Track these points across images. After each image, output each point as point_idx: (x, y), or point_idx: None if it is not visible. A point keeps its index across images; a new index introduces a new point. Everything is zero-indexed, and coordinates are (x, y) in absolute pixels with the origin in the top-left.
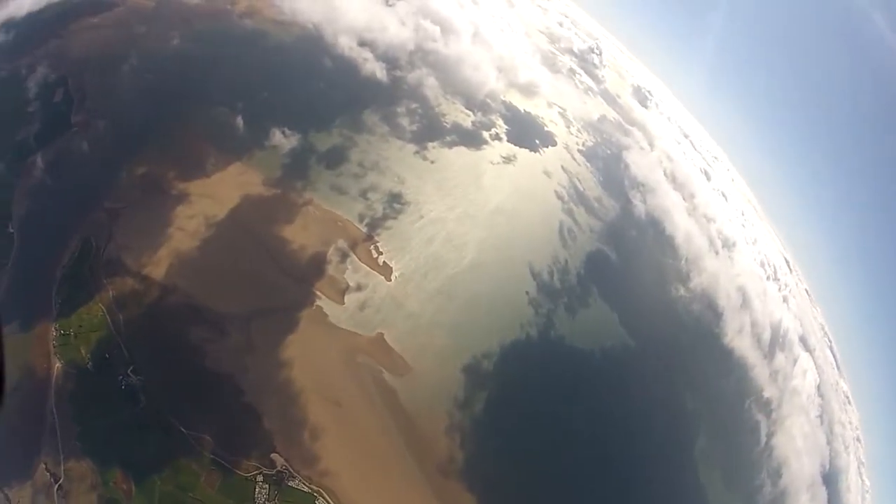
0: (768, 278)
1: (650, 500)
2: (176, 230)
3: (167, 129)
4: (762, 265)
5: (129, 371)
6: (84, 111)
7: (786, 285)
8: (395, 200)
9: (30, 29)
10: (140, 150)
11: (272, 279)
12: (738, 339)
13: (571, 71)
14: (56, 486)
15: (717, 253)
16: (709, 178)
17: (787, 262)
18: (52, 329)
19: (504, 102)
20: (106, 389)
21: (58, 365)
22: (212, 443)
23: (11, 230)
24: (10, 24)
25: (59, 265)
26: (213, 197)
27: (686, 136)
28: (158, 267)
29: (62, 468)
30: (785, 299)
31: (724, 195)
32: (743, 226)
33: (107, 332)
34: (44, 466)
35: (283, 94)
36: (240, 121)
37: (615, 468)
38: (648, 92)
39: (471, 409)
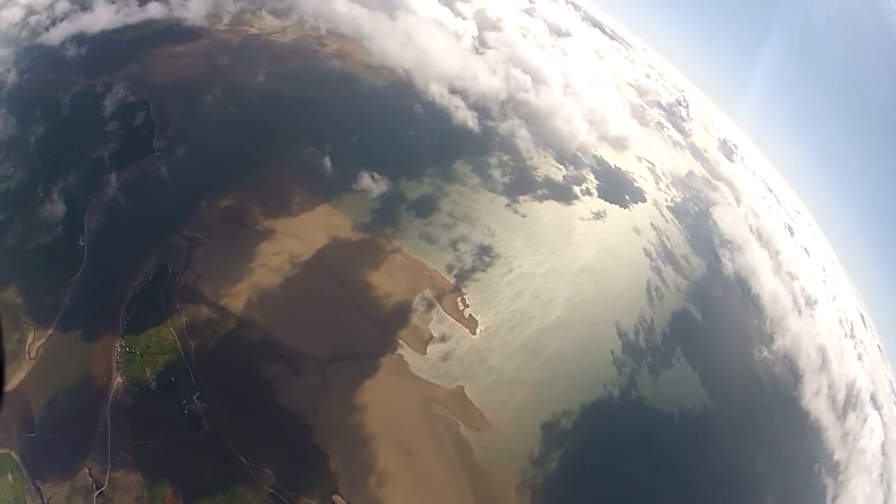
0: (846, 336)
1: None
2: (258, 265)
3: (253, 165)
4: (840, 322)
5: (194, 397)
6: (166, 137)
7: (861, 342)
8: (485, 253)
9: (106, 48)
10: (223, 182)
11: (354, 324)
12: (815, 402)
13: (660, 125)
14: (97, 491)
15: (799, 312)
16: (792, 234)
17: (862, 317)
18: (117, 344)
19: (595, 157)
20: (167, 411)
21: (119, 380)
22: (273, 477)
23: (82, 243)
24: (82, 39)
25: (130, 284)
26: (299, 236)
27: (770, 190)
28: (237, 299)
29: (107, 476)
30: (860, 357)
31: (806, 251)
32: (824, 282)
33: (176, 357)
34: (87, 471)
35: (374, 138)
36: (328, 162)
37: None
38: (734, 145)
39: (544, 467)
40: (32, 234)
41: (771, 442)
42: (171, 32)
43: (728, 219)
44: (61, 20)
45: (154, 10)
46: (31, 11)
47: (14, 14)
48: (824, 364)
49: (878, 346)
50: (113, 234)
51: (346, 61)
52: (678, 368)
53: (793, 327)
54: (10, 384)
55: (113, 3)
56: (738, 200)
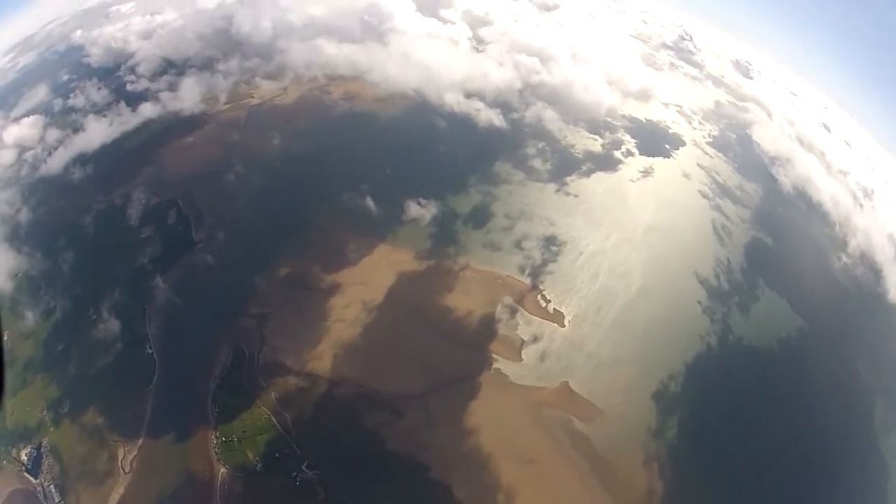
0: None
1: (838, 478)
2: (334, 322)
3: (297, 227)
4: None
5: (303, 467)
6: (204, 227)
7: None
8: (551, 243)
9: (112, 160)
10: (274, 253)
11: (444, 351)
12: None
13: (672, 65)
14: None
15: (861, 206)
16: (829, 130)
17: None
18: (212, 437)
19: (625, 116)
20: (280, 487)
21: (222, 470)
22: None
23: (150, 350)
24: (85, 159)
25: (210, 376)
26: (366, 282)
27: (794, 94)
28: (322, 361)
29: None
30: None
31: (847, 143)
32: (872, 169)
33: (275, 433)
34: None
35: (407, 165)
36: (370, 202)
37: (802, 452)
38: (748, 62)
39: (665, 436)
40: (94, 357)
41: (867, 345)
42: (176, 127)
43: (767, 136)
44: (56, 149)
45: (147, 111)
46: (23, 148)
47: (6, 156)
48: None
49: None
50: (179, 334)
51: (357, 101)
52: (765, 299)
53: (860, 224)
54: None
55: (104, 116)
56: (769, 115)
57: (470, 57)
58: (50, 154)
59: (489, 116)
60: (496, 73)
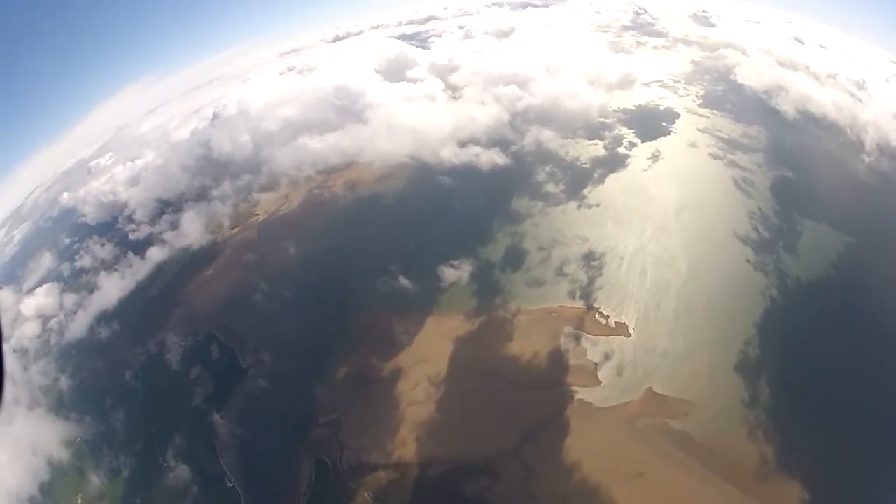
0: None
1: None
2: (407, 406)
3: (340, 327)
4: (887, 81)
5: None
6: (249, 353)
7: None
8: (591, 259)
9: (136, 311)
10: (325, 358)
11: (522, 399)
12: None
13: (638, 43)
14: None
15: (861, 101)
16: (803, 42)
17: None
18: None
19: (615, 110)
20: None
21: None
22: None
23: (231, 483)
24: (108, 317)
25: (300, 493)
26: (426, 359)
27: (758, 22)
28: (406, 447)
29: None
30: None
31: (822, 47)
32: (853, 60)
33: None
34: None
35: (428, 234)
36: (405, 280)
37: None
38: (704, 11)
39: (760, 403)
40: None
41: None
42: (192, 263)
43: (751, 73)
44: (76, 312)
45: (157, 255)
46: (45, 318)
47: (31, 328)
48: None
49: None
50: (255, 462)
51: (359, 187)
52: (808, 231)
53: (867, 117)
54: None
55: (115, 270)
56: (745, 53)
57: (451, 106)
58: (72, 319)
59: (490, 157)
60: (481, 113)
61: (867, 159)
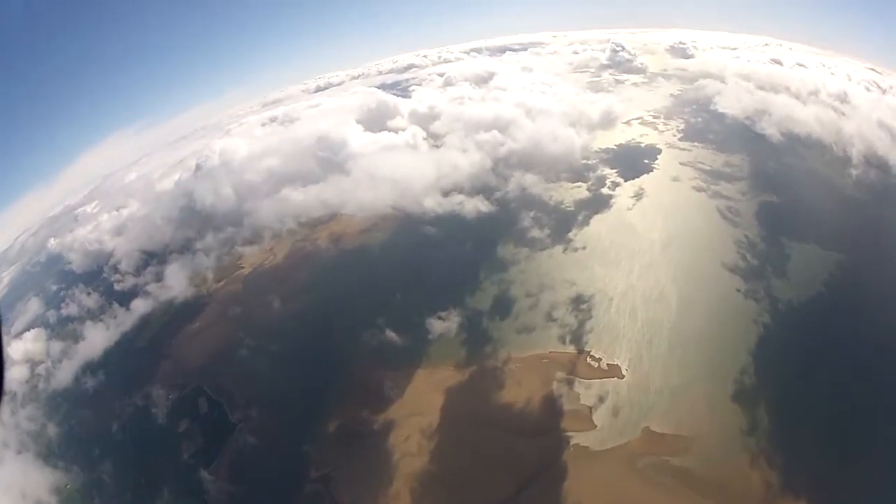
0: (883, 93)
1: None
2: (400, 459)
3: (329, 380)
4: (867, 90)
5: None
6: (239, 407)
7: (891, 87)
8: (580, 303)
9: (122, 363)
10: (313, 413)
11: (518, 448)
12: None
13: (617, 81)
14: None
15: (844, 114)
16: (781, 63)
17: (874, 69)
18: None
19: (597, 150)
20: None
21: None
22: None
23: None
24: (94, 368)
25: None
26: (417, 411)
27: (734, 48)
28: (401, 500)
29: None
30: None
31: (801, 65)
32: (832, 74)
33: None
34: None
35: (415, 285)
36: (392, 334)
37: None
38: (681, 43)
39: (761, 429)
40: None
41: None
42: (178, 316)
43: (731, 101)
44: (60, 361)
45: (140, 307)
46: (33, 363)
47: (21, 372)
48: (892, 135)
49: None
50: None
51: (343, 239)
52: (796, 253)
53: (851, 129)
54: None
55: (100, 321)
56: (723, 81)
57: (432, 155)
58: (58, 367)
59: (474, 205)
60: (463, 160)
61: (854, 172)
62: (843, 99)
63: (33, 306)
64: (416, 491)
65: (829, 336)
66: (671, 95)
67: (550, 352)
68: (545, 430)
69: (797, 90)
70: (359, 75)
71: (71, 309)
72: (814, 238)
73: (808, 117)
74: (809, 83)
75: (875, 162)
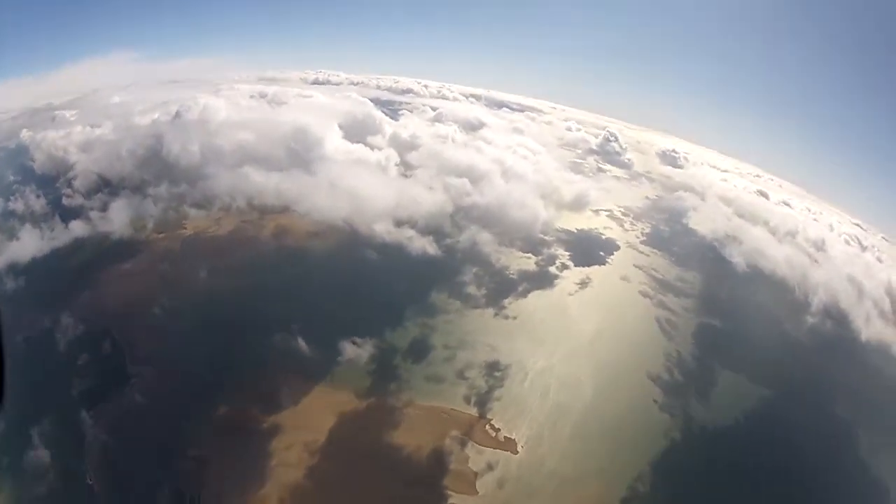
0: (863, 250)
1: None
2: (277, 465)
3: (229, 365)
4: (847, 243)
5: None
6: (139, 361)
7: (872, 245)
8: (494, 369)
9: (47, 277)
10: (206, 394)
11: (394, 491)
12: (869, 327)
13: (599, 169)
14: None
15: (816, 261)
16: (767, 197)
17: (859, 225)
18: None
19: (557, 229)
20: None
21: None
22: None
23: (91, 482)
24: (17, 270)
25: None
26: (306, 424)
27: (724, 171)
28: None
29: None
30: (879, 259)
31: (786, 203)
32: (816, 220)
33: None
34: None
35: (341, 304)
36: (302, 343)
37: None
38: (673, 151)
39: None
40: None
41: (843, 388)
42: (113, 252)
43: (704, 220)
44: None
45: (78, 229)
46: None
47: None
48: (860, 290)
49: (884, 238)
50: (117, 470)
51: (289, 236)
52: (724, 380)
53: (818, 278)
54: None
55: (39, 227)
56: (703, 198)
57: (399, 183)
58: None
59: (422, 244)
60: (427, 197)
61: (810, 320)
62: (820, 247)
63: None
64: (283, 501)
65: (733, 467)
66: (647, 198)
67: (452, 408)
68: (426, 481)
69: (775, 227)
70: (358, 83)
71: (17, 205)
72: (746, 370)
73: (779, 256)
74: (790, 223)
75: (835, 314)
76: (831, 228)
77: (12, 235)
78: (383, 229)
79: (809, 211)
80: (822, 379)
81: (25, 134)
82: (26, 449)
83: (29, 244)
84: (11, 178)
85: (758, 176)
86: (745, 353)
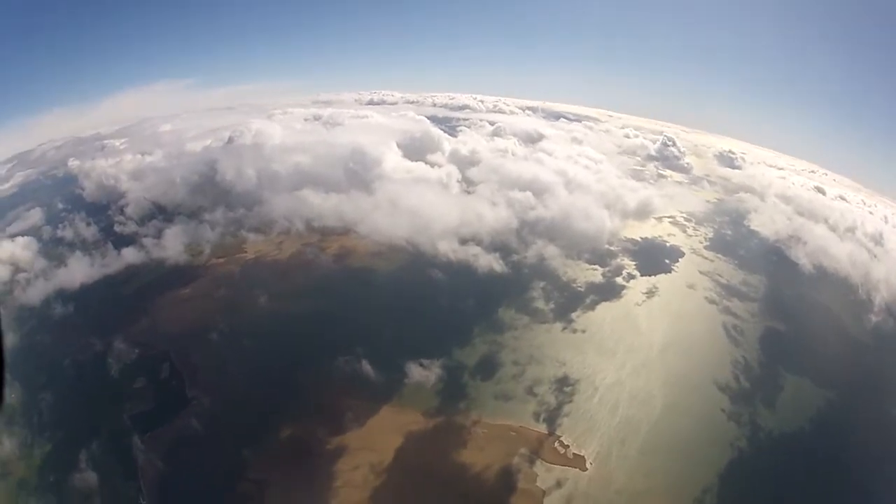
0: None
1: None
2: (342, 486)
3: (293, 387)
4: None
5: None
6: (196, 385)
7: None
8: (564, 384)
9: (100, 303)
10: (268, 417)
11: None
12: None
13: (660, 175)
14: None
15: (875, 257)
16: (824, 193)
17: None
18: None
19: (623, 239)
20: None
21: None
22: None
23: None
24: (66, 297)
25: None
26: (372, 445)
27: (781, 168)
28: None
29: None
30: None
31: (843, 198)
32: (871, 213)
33: None
34: None
35: (407, 325)
36: (367, 366)
37: None
38: (730, 152)
39: None
40: None
41: None
42: (170, 278)
43: (765, 221)
44: (37, 278)
45: (131, 256)
46: (16, 268)
47: (2, 272)
48: None
49: None
50: (174, 492)
51: (351, 258)
52: (789, 385)
53: (879, 274)
54: None
55: (89, 255)
56: (763, 199)
57: (461, 199)
58: (36, 282)
59: (488, 262)
60: (490, 213)
61: (874, 319)
62: (878, 241)
63: (34, 216)
64: None
65: (801, 473)
66: (708, 202)
67: (521, 426)
68: (493, 501)
69: (835, 223)
70: (413, 101)
71: (67, 232)
72: (810, 373)
73: (842, 253)
74: (849, 218)
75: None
76: (886, 221)
77: (61, 262)
78: (448, 248)
79: (864, 204)
80: (885, 380)
81: (73, 163)
82: (72, 471)
83: (78, 271)
84: (60, 206)
85: (813, 172)
86: (809, 355)
